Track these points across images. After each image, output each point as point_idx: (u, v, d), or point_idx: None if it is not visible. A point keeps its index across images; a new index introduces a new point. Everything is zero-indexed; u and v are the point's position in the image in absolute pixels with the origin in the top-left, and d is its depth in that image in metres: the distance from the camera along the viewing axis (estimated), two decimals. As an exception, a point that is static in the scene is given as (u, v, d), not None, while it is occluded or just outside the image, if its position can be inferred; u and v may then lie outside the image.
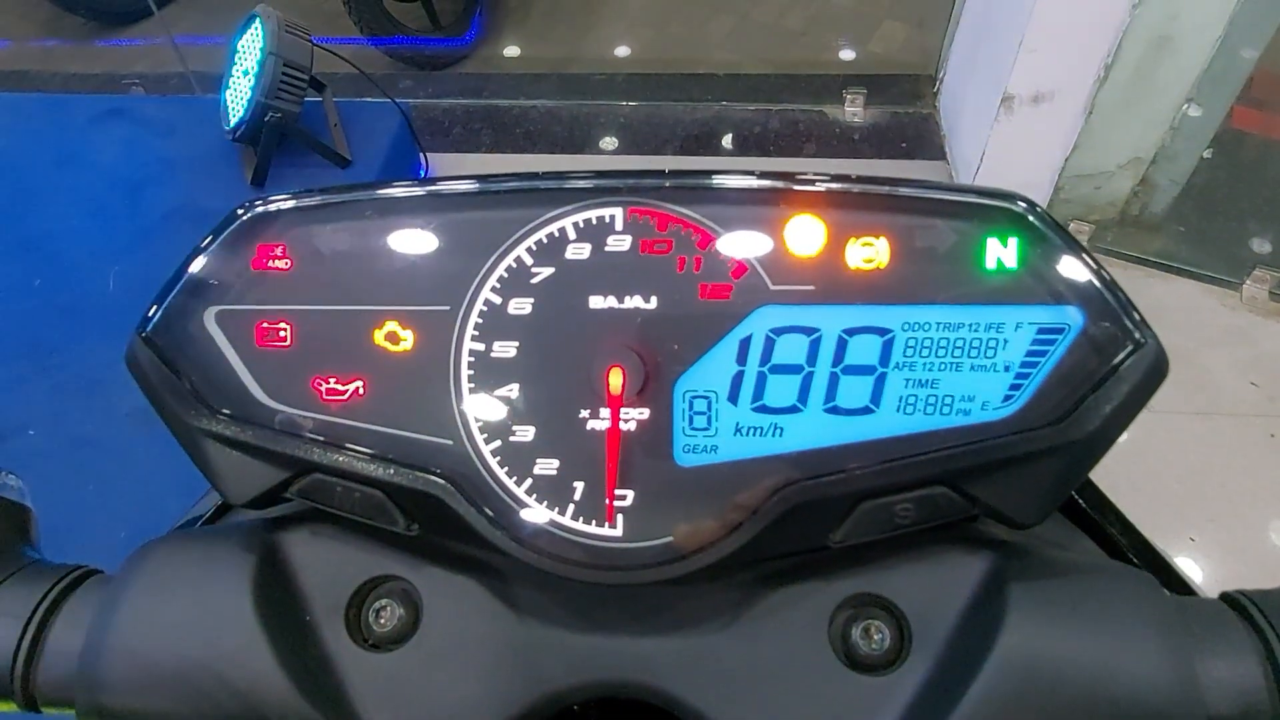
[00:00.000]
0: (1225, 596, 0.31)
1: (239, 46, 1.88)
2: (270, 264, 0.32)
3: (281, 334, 0.32)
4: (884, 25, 2.48)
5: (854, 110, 2.23)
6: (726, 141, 2.20)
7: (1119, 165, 1.85)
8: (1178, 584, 0.35)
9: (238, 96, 1.84)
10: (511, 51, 2.55)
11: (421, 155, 2.13)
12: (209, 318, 0.32)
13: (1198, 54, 1.66)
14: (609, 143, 2.24)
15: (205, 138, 1.97)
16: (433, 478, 0.31)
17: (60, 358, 1.68)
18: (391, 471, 0.31)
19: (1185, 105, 1.73)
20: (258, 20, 1.80)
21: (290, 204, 0.32)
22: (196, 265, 0.32)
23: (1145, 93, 1.72)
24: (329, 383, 0.32)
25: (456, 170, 2.19)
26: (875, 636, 0.32)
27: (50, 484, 1.52)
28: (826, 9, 2.54)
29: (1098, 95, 1.71)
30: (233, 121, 1.84)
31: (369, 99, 2.07)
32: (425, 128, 2.21)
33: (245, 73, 1.82)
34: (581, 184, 0.31)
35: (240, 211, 0.32)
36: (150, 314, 0.32)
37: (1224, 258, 1.85)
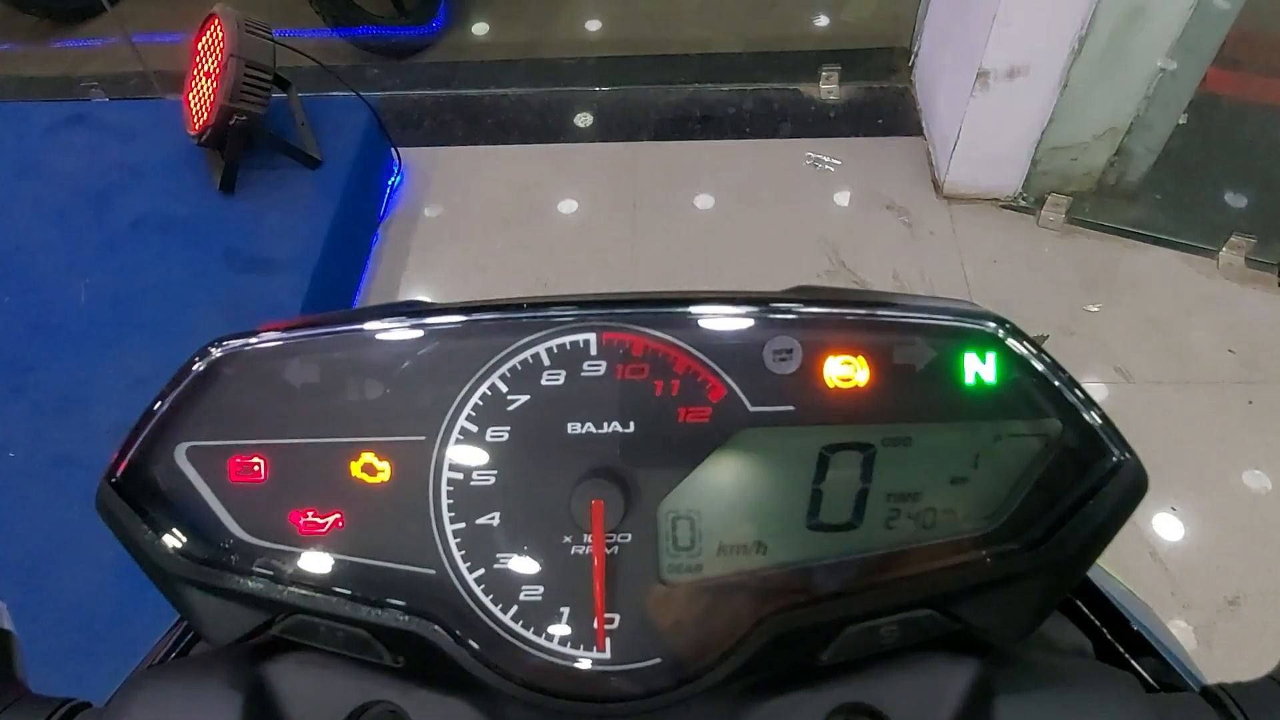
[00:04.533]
0: (1205, 692, 0.31)
1: (199, 48, 1.83)
2: (241, 398, 0.32)
3: (255, 468, 0.32)
4: (856, -5, 2.44)
5: (829, 88, 2.21)
6: (701, 124, 2.17)
7: (1095, 136, 1.84)
8: (1163, 668, 0.35)
9: (200, 100, 1.80)
10: (480, 31, 2.50)
11: (394, 151, 2.09)
12: (179, 454, 0.32)
13: (1171, 22, 1.65)
14: (583, 118, 2.21)
15: (170, 142, 1.93)
16: (418, 619, 0.31)
17: (36, 375, 1.66)
18: (376, 612, 0.31)
19: (1159, 74, 1.73)
20: (217, 21, 1.75)
21: (259, 342, 0.31)
22: (165, 404, 0.31)
23: (1120, 63, 1.71)
24: (307, 516, 0.32)
25: (432, 165, 2.15)
26: None
27: (33, 506, 1.51)
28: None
29: (1073, 68, 1.70)
30: (197, 126, 1.80)
31: (336, 93, 2.03)
32: (395, 120, 2.17)
33: (207, 74, 1.77)
34: (554, 313, 0.31)
35: (212, 349, 0.31)
36: (117, 459, 0.32)
37: (1200, 225, 1.86)
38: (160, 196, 1.89)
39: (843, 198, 2.02)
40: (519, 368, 0.31)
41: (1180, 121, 1.90)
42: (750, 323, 0.31)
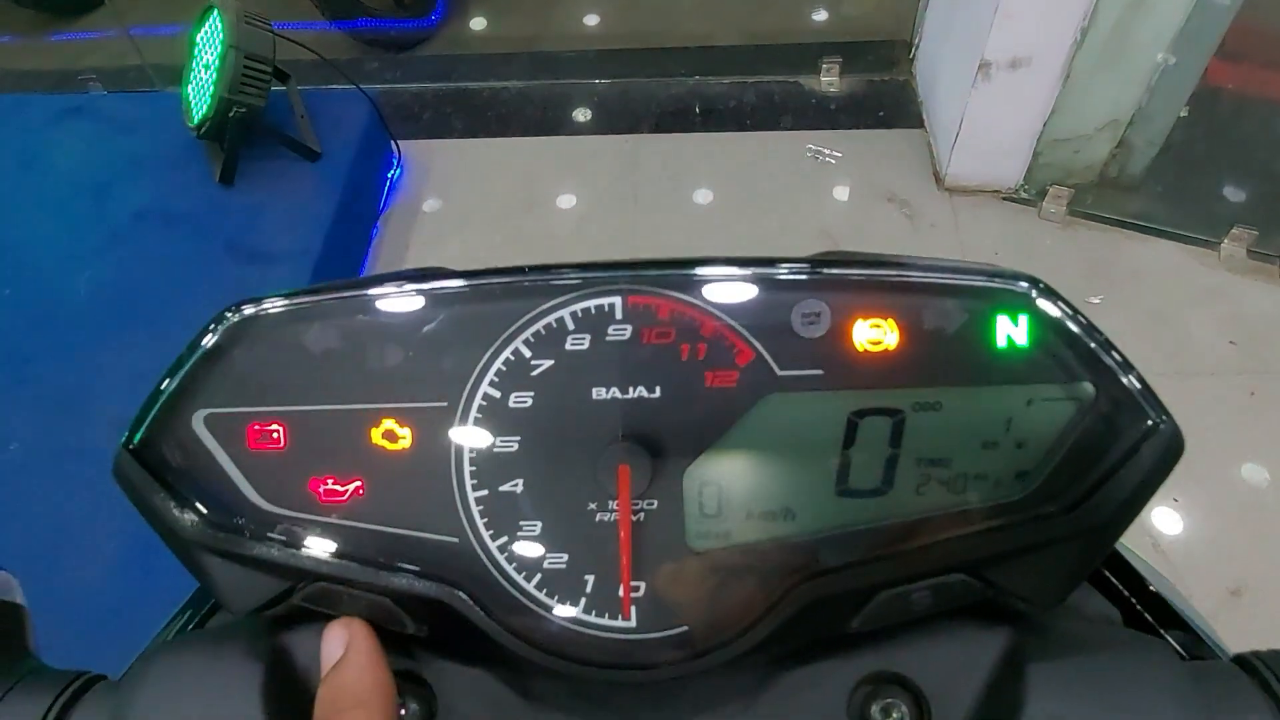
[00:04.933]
0: (1239, 659, 0.31)
1: (198, 40, 1.83)
2: (260, 364, 0.31)
3: (275, 435, 0.31)
4: (857, -12, 2.44)
5: (830, 80, 2.20)
6: (701, 117, 2.17)
7: (1097, 128, 1.84)
8: (1192, 639, 0.35)
9: (200, 92, 1.79)
10: (479, 24, 2.49)
11: (393, 144, 2.09)
12: (197, 422, 0.31)
13: (1174, 13, 1.65)
14: (582, 111, 2.21)
15: (169, 134, 1.92)
16: (442, 585, 0.31)
17: (36, 368, 1.65)
18: (398, 579, 0.31)
19: (1161, 66, 1.72)
20: (215, 12, 1.75)
21: (278, 305, 0.31)
22: (182, 371, 0.31)
23: (1122, 54, 1.71)
24: (327, 484, 0.31)
25: (431, 159, 2.15)
26: (894, 715, 0.32)
27: (38, 498, 1.50)
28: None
29: (1075, 59, 1.70)
30: (196, 118, 1.79)
31: (336, 86, 2.02)
32: (395, 113, 2.16)
33: (206, 67, 1.77)
34: (579, 276, 0.30)
35: (229, 314, 0.31)
36: (135, 426, 0.31)
37: (1202, 217, 1.86)
38: (160, 189, 1.88)
39: (843, 190, 2.01)
40: (542, 332, 0.30)
41: (1182, 114, 1.90)
42: (778, 285, 0.30)
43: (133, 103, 2.11)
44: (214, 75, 1.72)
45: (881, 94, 2.18)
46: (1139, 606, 0.37)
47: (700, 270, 0.30)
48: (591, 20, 2.46)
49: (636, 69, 2.29)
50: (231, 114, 1.73)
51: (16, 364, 1.66)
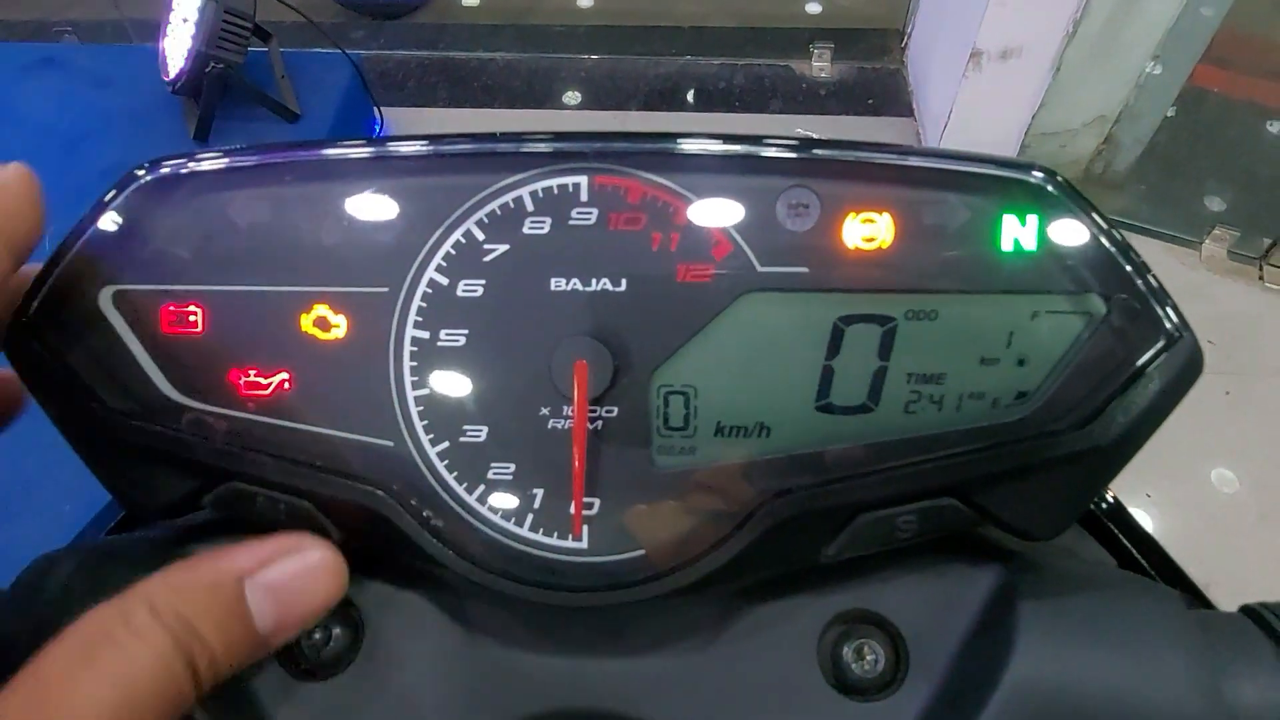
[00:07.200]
0: (1246, 610, 0.29)
1: (176, -8, 1.77)
2: (178, 235, 0.28)
3: (192, 319, 0.28)
4: (851, -23, 2.42)
5: (821, 65, 2.18)
6: (690, 97, 2.14)
7: (1084, 123, 1.84)
8: (1192, 592, 0.33)
9: (177, 46, 1.74)
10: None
11: (376, 110, 2.04)
12: (104, 299, 0.28)
13: (1165, 10, 1.64)
14: (571, 98, 2.18)
15: (144, 89, 1.86)
16: (368, 488, 0.28)
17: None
18: (321, 479, 0.28)
19: (1150, 62, 1.72)
20: (196, -36, 1.70)
21: (200, 165, 0.28)
22: (87, 236, 0.27)
23: (1112, 49, 1.70)
24: (248, 375, 0.28)
25: (414, 126, 2.11)
26: (868, 657, 0.29)
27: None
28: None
29: (1065, 51, 1.69)
30: (172, 72, 1.74)
31: (319, 50, 1.98)
32: (379, 80, 2.12)
33: (184, 20, 1.72)
34: (541, 147, 0.27)
35: (139, 172, 0.28)
36: (29, 296, 0.27)
37: (1184, 217, 1.86)
38: (132, 145, 1.83)
39: (831, 177, 2.00)
40: (498, 213, 0.27)
41: (1169, 114, 1.90)
42: (764, 168, 0.27)
43: (107, 55, 2.04)
44: (192, 29, 1.68)
45: (872, 81, 2.16)
46: (1136, 554, 0.34)
47: (677, 144, 0.27)
48: (585, 3, 2.42)
49: (626, 47, 2.25)
50: (209, 69, 1.69)
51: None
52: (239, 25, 1.70)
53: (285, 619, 0.26)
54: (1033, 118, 1.81)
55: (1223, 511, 1.52)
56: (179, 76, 1.71)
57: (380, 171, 0.28)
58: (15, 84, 1.96)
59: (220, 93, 1.75)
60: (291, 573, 0.26)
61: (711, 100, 2.13)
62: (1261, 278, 1.79)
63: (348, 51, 1.95)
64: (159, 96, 1.83)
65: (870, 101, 2.12)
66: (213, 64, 1.68)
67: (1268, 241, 1.79)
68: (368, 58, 2.17)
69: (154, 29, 1.86)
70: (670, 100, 2.14)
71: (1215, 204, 1.88)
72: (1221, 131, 2.01)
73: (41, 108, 1.91)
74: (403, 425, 0.28)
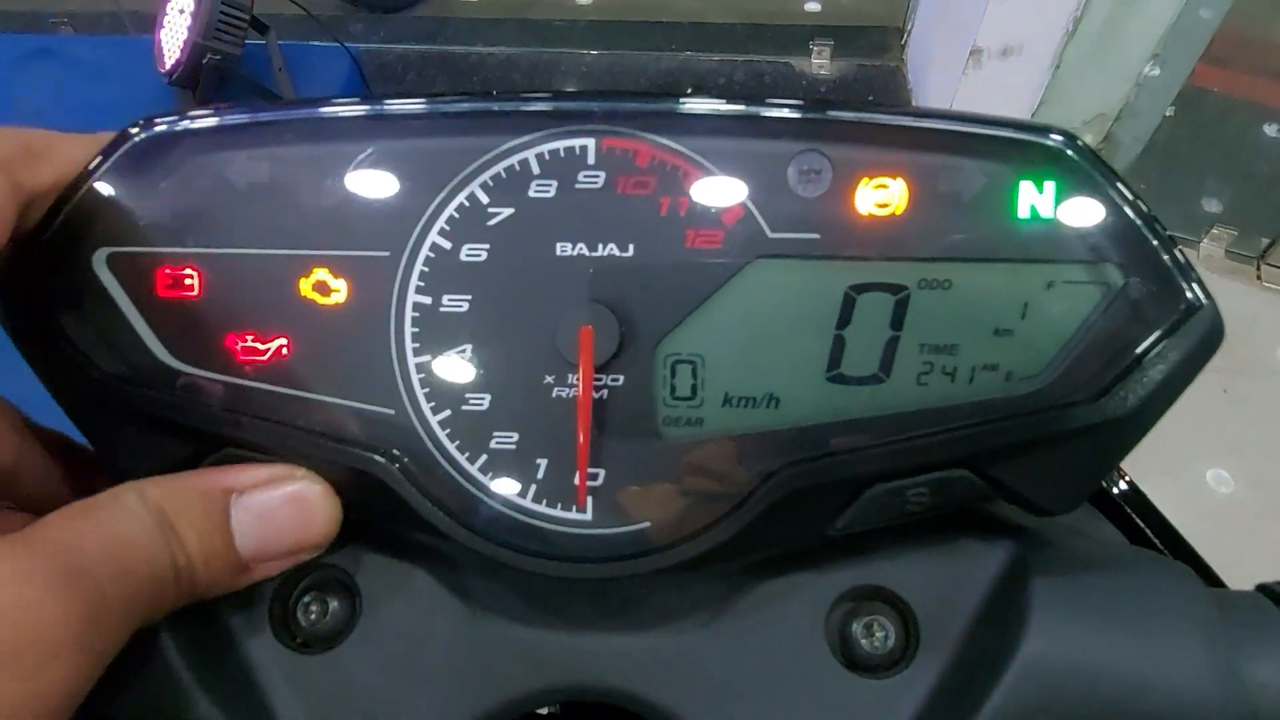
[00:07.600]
0: (1263, 588, 0.28)
1: (174, -18, 1.76)
2: (174, 196, 0.27)
3: (188, 282, 0.27)
4: (851, -26, 2.42)
5: (820, 62, 2.18)
6: (690, 93, 2.14)
7: (1084, 121, 1.83)
8: (1204, 572, 0.33)
9: (174, 37, 1.73)
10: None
11: (373, 103, 2.04)
12: (99, 262, 0.27)
13: (1165, 9, 1.64)
14: (571, 82, 2.17)
15: (140, 81, 1.85)
16: (367, 454, 0.27)
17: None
18: (319, 446, 0.27)
19: (1150, 61, 1.72)
20: (193, -46, 1.69)
21: (199, 123, 0.27)
22: (80, 196, 0.26)
23: (1112, 47, 1.70)
24: (245, 340, 0.27)
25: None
26: (878, 634, 0.29)
27: None
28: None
29: (1065, 49, 1.69)
30: (169, 64, 1.73)
31: (318, 43, 1.97)
32: (378, 74, 2.11)
33: (181, 11, 1.71)
34: (547, 108, 0.27)
35: (134, 130, 0.27)
36: (24, 255, 0.27)
37: (1183, 216, 1.86)
38: (128, 136, 1.82)
39: (830, 174, 2.00)
40: (503, 175, 0.27)
41: (1168, 113, 1.90)
42: (776, 131, 0.27)
43: (103, 47, 2.03)
44: (189, 20, 1.67)
45: (872, 78, 2.16)
46: (1150, 533, 0.34)
47: (687, 106, 0.27)
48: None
49: (626, 42, 2.25)
50: (205, 61, 1.68)
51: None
52: (236, 17, 1.69)
53: (267, 546, 0.26)
54: (1032, 115, 1.80)
55: (1219, 511, 1.52)
56: (175, 68, 1.70)
57: (383, 131, 0.27)
58: (11, 75, 1.95)
59: (217, 85, 1.74)
60: (280, 500, 0.26)
61: (711, 96, 2.12)
62: (1259, 277, 1.79)
63: (346, 45, 1.95)
64: (155, 88, 1.82)
65: (870, 98, 2.12)
66: (209, 56, 1.67)
67: (1266, 241, 1.79)
68: (366, 51, 2.16)
69: (150, 20, 1.85)
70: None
71: (1213, 204, 1.88)
72: (1221, 131, 2.02)
73: (37, 99, 1.90)
74: (403, 392, 0.27)
